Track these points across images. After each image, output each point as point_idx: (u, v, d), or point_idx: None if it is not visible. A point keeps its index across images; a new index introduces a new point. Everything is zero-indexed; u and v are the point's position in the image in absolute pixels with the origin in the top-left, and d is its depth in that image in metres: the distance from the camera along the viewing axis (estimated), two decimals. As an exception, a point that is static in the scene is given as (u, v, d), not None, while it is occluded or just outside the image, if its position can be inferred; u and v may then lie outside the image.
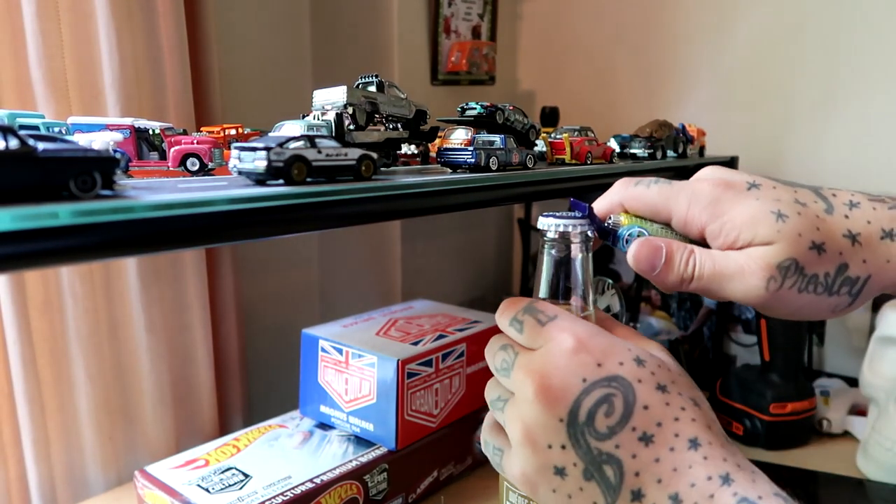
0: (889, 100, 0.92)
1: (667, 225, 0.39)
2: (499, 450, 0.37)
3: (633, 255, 0.37)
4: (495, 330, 0.39)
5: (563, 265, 0.39)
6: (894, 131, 0.92)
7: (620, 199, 0.40)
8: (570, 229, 0.39)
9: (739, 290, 0.35)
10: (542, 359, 0.34)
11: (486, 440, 0.38)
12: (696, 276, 0.36)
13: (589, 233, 0.39)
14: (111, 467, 0.73)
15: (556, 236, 0.39)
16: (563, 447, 0.33)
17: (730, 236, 0.35)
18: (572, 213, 0.40)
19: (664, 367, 0.34)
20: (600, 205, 0.41)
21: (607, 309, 0.56)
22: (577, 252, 0.39)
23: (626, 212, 0.40)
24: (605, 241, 0.41)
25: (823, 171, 0.98)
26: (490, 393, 0.38)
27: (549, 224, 0.39)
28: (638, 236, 0.38)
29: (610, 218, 0.40)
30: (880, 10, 0.91)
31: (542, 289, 0.40)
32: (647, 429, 0.32)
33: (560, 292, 0.39)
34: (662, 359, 0.35)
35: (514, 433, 0.34)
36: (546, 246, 0.40)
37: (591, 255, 0.40)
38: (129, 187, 0.39)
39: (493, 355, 0.37)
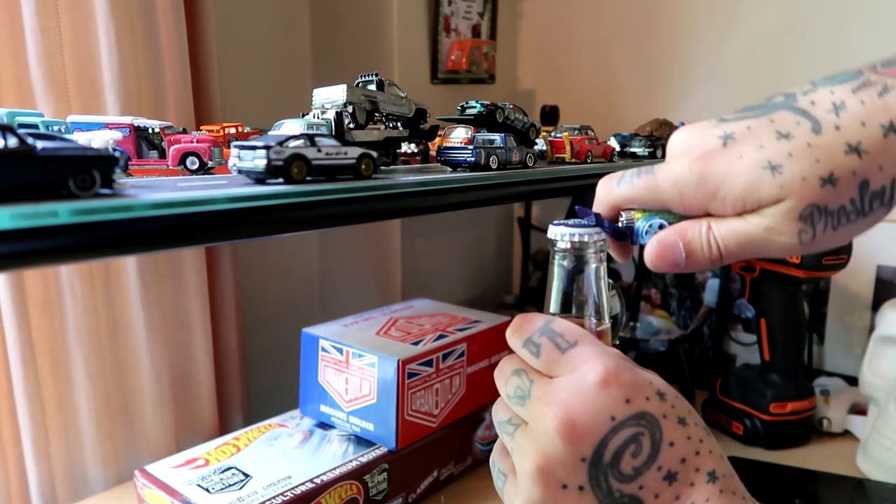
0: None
1: None
2: (503, 474, 0.35)
3: (650, 258, 0.34)
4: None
5: (575, 277, 0.37)
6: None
7: (610, 203, 0.37)
8: (584, 238, 0.36)
9: (774, 251, 0.32)
10: (565, 391, 0.32)
11: (494, 460, 0.36)
12: (725, 254, 0.33)
13: (604, 241, 0.37)
14: (111, 466, 0.73)
15: (568, 246, 0.36)
16: (581, 488, 0.31)
17: (736, 207, 0.32)
18: (583, 221, 0.37)
19: (678, 395, 0.33)
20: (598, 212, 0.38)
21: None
22: (590, 262, 0.37)
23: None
24: (625, 242, 0.37)
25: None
26: (499, 414, 0.36)
27: (559, 233, 0.36)
28: (660, 228, 0.35)
29: (622, 216, 0.37)
30: (881, 10, 0.91)
31: (553, 302, 0.37)
32: (672, 466, 0.31)
33: (573, 306, 0.37)
34: (665, 383, 0.34)
35: (525, 465, 0.32)
36: (557, 257, 0.37)
37: (605, 265, 0.37)
38: (129, 186, 0.39)
39: (506, 380, 0.35)
